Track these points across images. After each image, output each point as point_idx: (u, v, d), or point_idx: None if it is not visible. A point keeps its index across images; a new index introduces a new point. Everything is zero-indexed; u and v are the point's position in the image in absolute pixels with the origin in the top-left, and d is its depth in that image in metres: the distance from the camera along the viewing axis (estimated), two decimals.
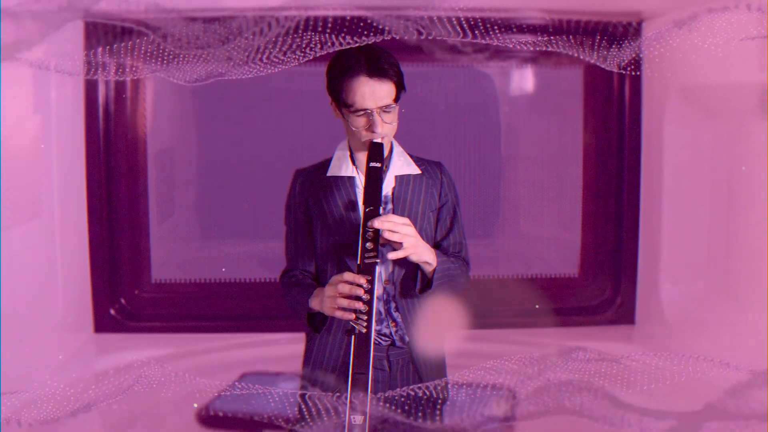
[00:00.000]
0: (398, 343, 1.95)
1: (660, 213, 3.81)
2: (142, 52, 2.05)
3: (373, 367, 1.81)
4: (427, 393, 1.93)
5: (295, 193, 2.01)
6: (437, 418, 1.98)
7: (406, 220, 1.79)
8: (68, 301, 3.70)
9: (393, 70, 1.81)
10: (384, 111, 1.82)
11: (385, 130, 1.84)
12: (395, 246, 1.79)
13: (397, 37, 2.04)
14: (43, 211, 3.53)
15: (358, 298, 1.71)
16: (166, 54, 2.02)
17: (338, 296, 1.73)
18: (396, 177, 1.96)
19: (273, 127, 3.98)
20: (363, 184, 1.83)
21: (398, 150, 1.99)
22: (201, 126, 4.07)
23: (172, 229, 4.09)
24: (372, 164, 1.80)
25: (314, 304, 1.89)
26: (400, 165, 1.97)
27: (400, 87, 1.85)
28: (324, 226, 1.95)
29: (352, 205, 1.92)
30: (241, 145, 4.03)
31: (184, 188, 4.14)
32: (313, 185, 1.98)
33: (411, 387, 1.92)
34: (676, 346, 3.57)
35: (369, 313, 1.70)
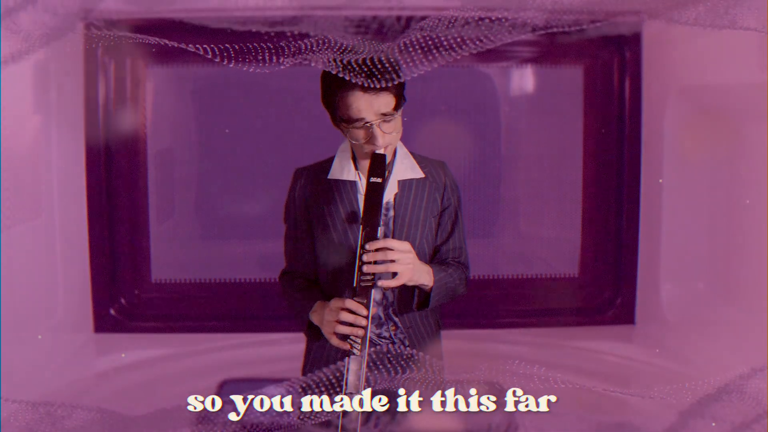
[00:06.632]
0: (398, 344, 1.94)
1: (660, 213, 3.80)
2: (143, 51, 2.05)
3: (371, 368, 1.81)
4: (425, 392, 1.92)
5: (295, 193, 1.95)
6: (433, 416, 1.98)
7: (406, 246, 1.74)
8: (68, 301, 3.70)
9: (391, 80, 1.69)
10: (384, 121, 1.73)
11: (387, 140, 1.75)
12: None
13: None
14: (43, 211, 3.53)
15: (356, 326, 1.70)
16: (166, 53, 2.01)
17: (337, 323, 1.72)
18: (399, 182, 1.89)
19: (273, 127, 3.97)
20: (364, 196, 1.76)
21: (402, 152, 1.92)
22: (201, 126, 4.07)
23: (172, 229, 4.09)
24: (373, 179, 1.72)
25: (314, 318, 1.87)
26: (404, 169, 1.90)
27: (399, 96, 1.74)
28: (324, 234, 1.90)
29: (354, 216, 1.86)
30: (241, 146, 4.02)
31: (184, 188, 4.13)
32: (314, 187, 1.92)
33: (409, 387, 1.91)
34: (676, 346, 3.57)
35: (364, 337, 1.69)
